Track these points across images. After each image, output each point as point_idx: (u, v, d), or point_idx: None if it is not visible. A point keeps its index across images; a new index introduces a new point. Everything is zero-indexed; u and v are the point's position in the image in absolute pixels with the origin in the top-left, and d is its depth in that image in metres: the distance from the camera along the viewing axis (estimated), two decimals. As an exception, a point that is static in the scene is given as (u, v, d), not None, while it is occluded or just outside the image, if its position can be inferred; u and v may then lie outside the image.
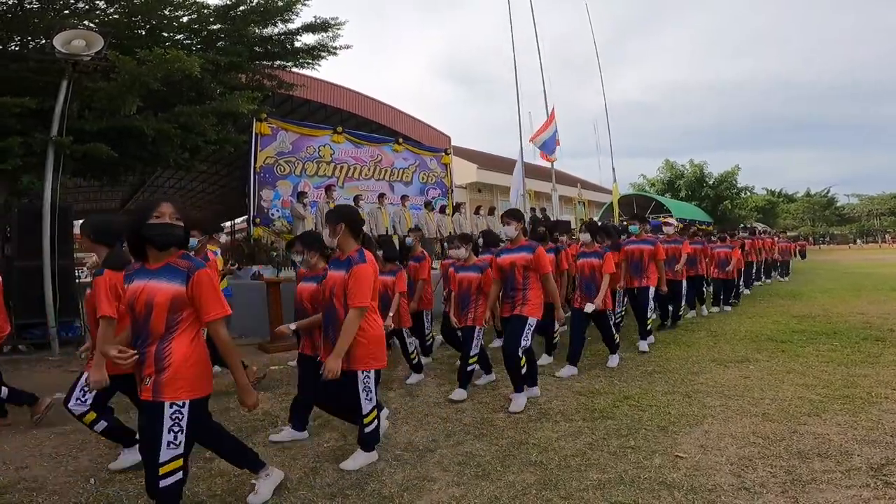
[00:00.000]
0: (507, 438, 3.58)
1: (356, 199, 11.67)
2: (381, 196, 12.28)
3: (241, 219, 24.42)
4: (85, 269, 5.55)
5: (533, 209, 15.48)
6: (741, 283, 10.59)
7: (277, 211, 11.32)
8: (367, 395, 3.18)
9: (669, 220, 8.77)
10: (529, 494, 2.77)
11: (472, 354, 4.72)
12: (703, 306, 8.99)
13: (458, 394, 4.57)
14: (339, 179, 12.43)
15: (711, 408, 4.03)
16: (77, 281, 8.42)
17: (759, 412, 3.88)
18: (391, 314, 4.95)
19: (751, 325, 7.71)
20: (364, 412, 3.20)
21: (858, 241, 56.55)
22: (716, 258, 9.20)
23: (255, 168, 11.09)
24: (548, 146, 13.83)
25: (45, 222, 7.08)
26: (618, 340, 5.72)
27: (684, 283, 7.72)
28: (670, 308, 7.64)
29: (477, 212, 14.05)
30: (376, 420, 3.28)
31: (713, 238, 10.40)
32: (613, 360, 5.56)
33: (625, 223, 10.67)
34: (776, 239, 16.42)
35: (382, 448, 3.47)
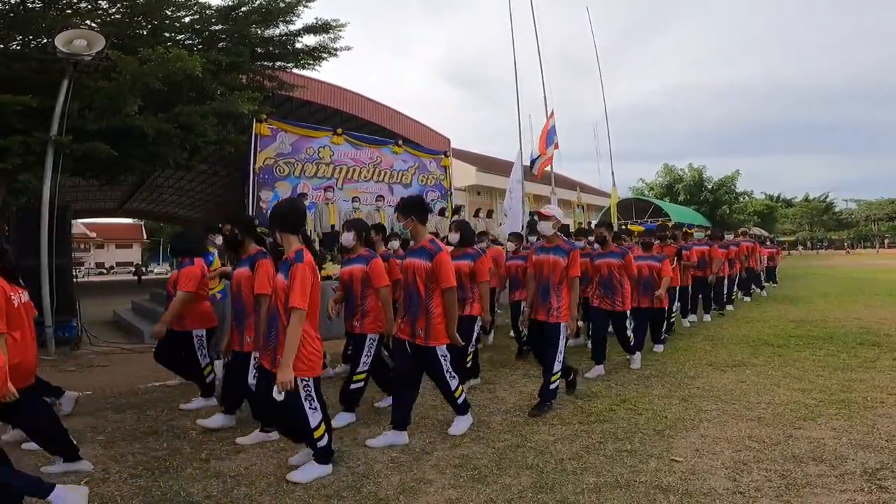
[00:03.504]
0: (503, 441, 3.58)
1: (354, 200, 11.70)
2: (380, 198, 12.30)
3: (240, 219, 24.14)
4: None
5: (532, 213, 15.49)
6: (687, 305, 8.20)
7: (276, 212, 11.30)
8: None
9: (550, 209, 4.61)
10: (525, 497, 2.78)
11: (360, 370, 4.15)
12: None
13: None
14: (338, 181, 12.43)
15: (707, 412, 4.05)
16: (75, 280, 8.40)
17: (754, 416, 3.89)
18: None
19: (748, 329, 7.73)
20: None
21: (846, 248, 55.82)
22: (638, 276, 5.96)
23: (254, 169, 11.08)
24: (537, 162, 13.77)
25: (44, 221, 7.08)
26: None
27: (562, 326, 4.29)
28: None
29: (476, 214, 14.06)
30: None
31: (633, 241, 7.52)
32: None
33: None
34: (751, 244, 12.02)
35: (379, 450, 3.48)
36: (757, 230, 36.20)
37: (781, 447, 3.30)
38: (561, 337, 4.30)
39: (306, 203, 10.67)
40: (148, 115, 8.27)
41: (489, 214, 14.16)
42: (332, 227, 10.71)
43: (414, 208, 3.76)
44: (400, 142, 14.19)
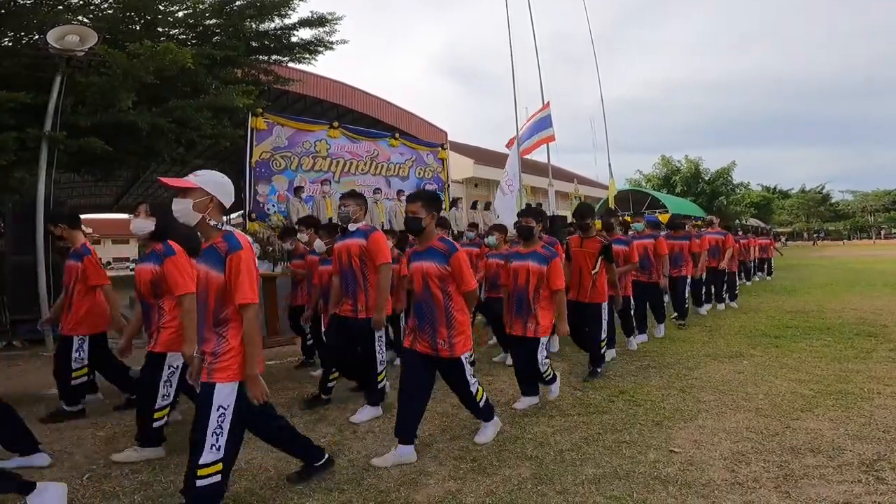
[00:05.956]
0: (502, 433, 3.59)
1: (351, 193, 11.67)
2: (377, 191, 12.28)
3: (237, 214, 24.26)
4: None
5: (528, 204, 15.49)
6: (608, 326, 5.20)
7: (273, 206, 11.29)
8: None
9: (193, 177, 2.48)
10: (525, 489, 2.79)
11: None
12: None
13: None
14: (335, 174, 12.41)
15: (705, 403, 4.06)
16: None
17: (752, 407, 3.91)
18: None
19: (745, 320, 7.75)
20: None
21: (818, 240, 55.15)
22: (513, 285, 4.15)
23: (250, 163, 11.05)
24: (523, 137, 13.45)
25: (39, 217, 7.05)
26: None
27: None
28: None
29: (474, 207, 14.06)
30: None
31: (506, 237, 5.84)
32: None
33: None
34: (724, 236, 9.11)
35: (379, 443, 3.49)
36: (754, 221, 36.30)
37: (779, 438, 3.32)
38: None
39: (303, 196, 10.68)
40: (142, 110, 8.21)
41: (487, 206, 14.15)
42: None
43: None
44: (397, 135, 14.14)
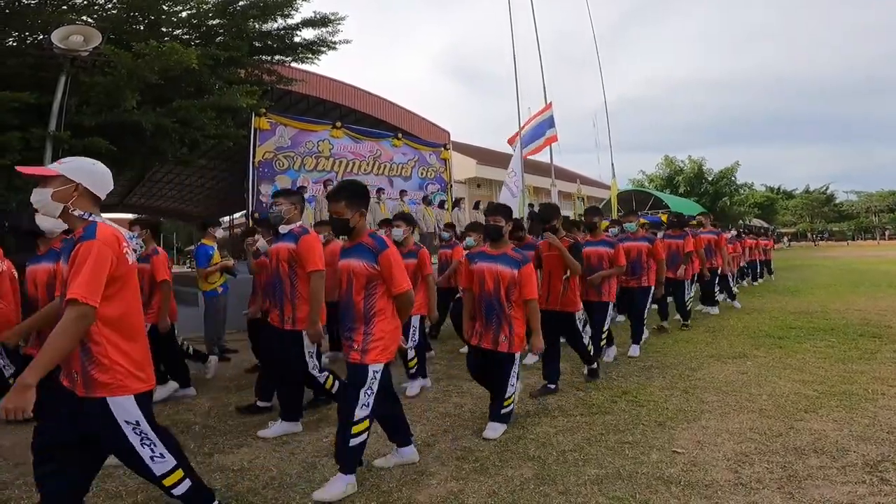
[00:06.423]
0: (504, 433, 3.59)
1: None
2: (380, 191, 12.30)
3: (240, 213, 24.31)
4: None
5: (531, 205, 15.47)
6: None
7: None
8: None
9: None
10: (527, 489, 2.79)
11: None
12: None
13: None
14: (337, 174, 12.44)
15: (709, 403, 4.05)
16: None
17: (756, 408, 3.90)
18: None
19: (749, 321, 7.73)
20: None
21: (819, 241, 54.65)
22: (480, 290, 3.77)
23: (253, 163, 11.10)
24: (526, 138, 13.24)
25: (43, 217, 7.07)
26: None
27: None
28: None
29: (476, 207, 14.06)
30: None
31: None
32: None
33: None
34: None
35: (381, 443, 3.48)
36: (757, 221, 36.22)
37: (783, 439, 3.31)
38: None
39: (306, 197, 10.71)
40: (146, 110, 8.24)
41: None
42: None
43: None
44: (399, 135, 14.17)
